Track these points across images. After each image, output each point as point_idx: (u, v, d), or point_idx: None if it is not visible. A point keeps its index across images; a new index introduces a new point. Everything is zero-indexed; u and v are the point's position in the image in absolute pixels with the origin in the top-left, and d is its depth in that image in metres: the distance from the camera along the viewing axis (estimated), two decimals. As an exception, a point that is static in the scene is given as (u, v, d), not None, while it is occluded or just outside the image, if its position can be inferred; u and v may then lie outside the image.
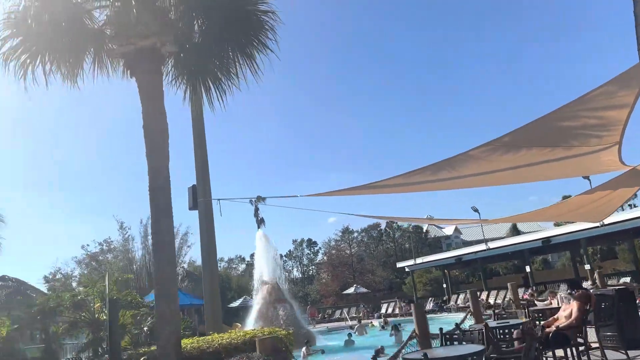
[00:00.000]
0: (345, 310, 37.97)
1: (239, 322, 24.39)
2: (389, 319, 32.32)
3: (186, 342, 8.84)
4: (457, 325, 8.15)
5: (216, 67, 10.09)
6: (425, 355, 5.33)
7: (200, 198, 11.94)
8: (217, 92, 10.15)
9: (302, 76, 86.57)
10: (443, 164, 7.83)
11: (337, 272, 59.02)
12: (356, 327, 26.93)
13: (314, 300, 56.15)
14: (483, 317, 10.73)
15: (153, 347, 9.35)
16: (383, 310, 36.47)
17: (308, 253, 72.70)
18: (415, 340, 7.18)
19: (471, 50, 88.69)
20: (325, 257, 66.31)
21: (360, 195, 13.62)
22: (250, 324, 22.23)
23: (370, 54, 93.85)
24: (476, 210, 30.42)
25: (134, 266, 39.33)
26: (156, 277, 8.27)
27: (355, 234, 64.83)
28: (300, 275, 70.31)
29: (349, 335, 22.76)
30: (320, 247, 70.73)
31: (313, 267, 72.33)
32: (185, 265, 43.22)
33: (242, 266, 71.93)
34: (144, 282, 35.74)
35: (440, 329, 7.26)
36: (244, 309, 32.03)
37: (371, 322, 32.45)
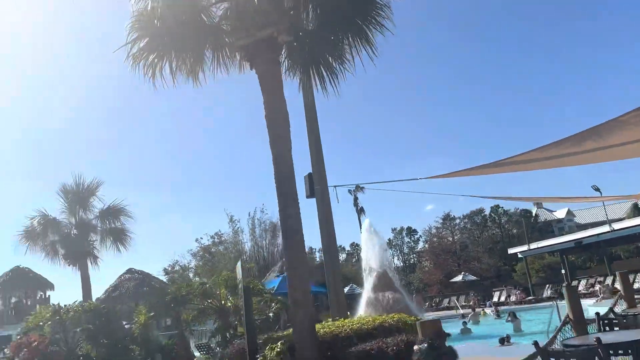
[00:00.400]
0: (454, 299, 36.97)
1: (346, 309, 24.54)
2: (500, 307, 31.10)
3: (317, 327, 8.88)
4: (611, 310, 7.44)
5: (329, 53, 10.01)
6: (598, 340, 4.85)
7: (316, 186, 12.01)
8: (330, 78, 10.09)
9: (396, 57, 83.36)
10: (588, 133, 7.12)
11: (440, 260, 57.58)
12: (470, 315, 26.22)
13: (418, 289, 55.29)
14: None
15: (286, 332, 9.53)
16: (495, 299, 35.09)
17: (408, 241, 71.66)
18: (569, 326, 6.61)
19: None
20: (426, 245, 64.97)
21: (480, 175, 12.97)
22: (360, 311, 22.26)
23: (475, 37, 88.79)
24: (597, 189, 28.01)
25: (244, 257, 40.99)
26: (288, 263, 8.37)
27: (458, 221, 62.78)
28: (402, 264, 69.53)
29: (464, 323, 22.13)
30: (420, 235, 69.46)
31: (414, 255, 71.23)
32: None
33: (342, 255, 72.52)
34: (254, 272, 37.13)
35: (597, 314, 6.67)
36: (351, 296, 32.20)
37: (483, 310, 31.41)
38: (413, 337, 8.25)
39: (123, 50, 9.44)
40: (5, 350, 15.30)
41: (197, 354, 15.66)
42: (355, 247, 68.97)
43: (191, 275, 42.92)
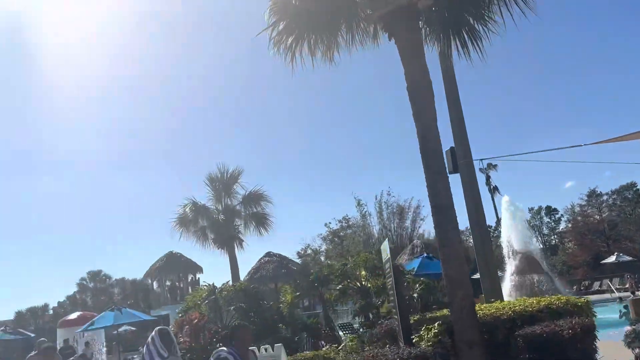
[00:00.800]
0: (607, 281, 33.77)
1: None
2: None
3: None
4: None
5: (471, 15, 9.29)
6: None
7: (460, 160, 11.33)
8: (474, 42, 9.37)
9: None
10: None
11: (586, 241, 52.80)
12: (630, 298, 23.73)
13: (561, 272, 51.26)
14: None
15: (439, 313, 9.15)
16: (655, 281, 31.44)
17: (548, 222, 66.53)
18: None
19: None
20: (569, 225, 59.93)
21: None
22: (505, 295, 21.09)
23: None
24: None
25: (371, 240, 41.04)
26: (440, 240, 7.94)
27: (605, 197, 56.92)
28: (541, 246, 64.90)
29: (626, 307, 20.05)
30: (561, 215, 64.17)
31: (555, 236, 66.12)
32: (415, 240, 43.52)
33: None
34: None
35: None
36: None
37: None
38: (589, 321, 7.42)
39: (246, 32, 9.61)
40: (170, 327, 16.72)
41: (340, 333, 15.86)
42: (487, 227, 65.72)
43: (322, 258, 44.04)
